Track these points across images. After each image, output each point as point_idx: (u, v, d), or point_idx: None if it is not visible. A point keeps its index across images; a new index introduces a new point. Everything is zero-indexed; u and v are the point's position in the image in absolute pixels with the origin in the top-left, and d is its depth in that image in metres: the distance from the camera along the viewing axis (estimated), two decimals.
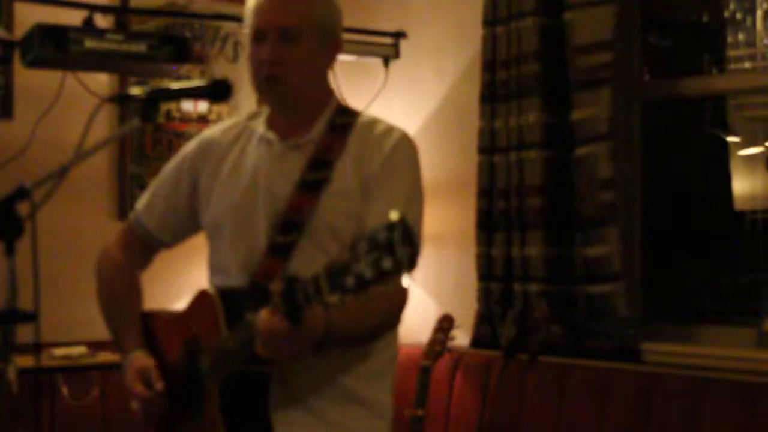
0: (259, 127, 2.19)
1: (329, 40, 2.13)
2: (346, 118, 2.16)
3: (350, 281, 1.55)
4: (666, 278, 3.78)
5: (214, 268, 2.21)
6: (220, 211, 2.18)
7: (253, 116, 2.25)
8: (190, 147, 2.29)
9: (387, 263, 1.50)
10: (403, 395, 3.43)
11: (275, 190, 2.10)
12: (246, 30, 2.14)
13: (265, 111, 2.21)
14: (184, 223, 2.28)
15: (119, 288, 2.28)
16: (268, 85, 2.09)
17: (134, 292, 2.30)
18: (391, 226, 1.51)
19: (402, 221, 1.51)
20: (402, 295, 2.07)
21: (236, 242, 2.13)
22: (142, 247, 2.33)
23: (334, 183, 2.07)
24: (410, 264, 1.50)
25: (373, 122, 2.17)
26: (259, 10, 2.09)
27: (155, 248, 2.35)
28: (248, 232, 2.11)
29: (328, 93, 2.20)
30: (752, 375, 3.01)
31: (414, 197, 2.12)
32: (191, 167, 2.25)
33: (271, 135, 2.16)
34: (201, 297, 2.08)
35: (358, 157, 2.09)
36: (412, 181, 2.12)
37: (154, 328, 2.25)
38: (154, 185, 2.33)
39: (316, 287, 1.63)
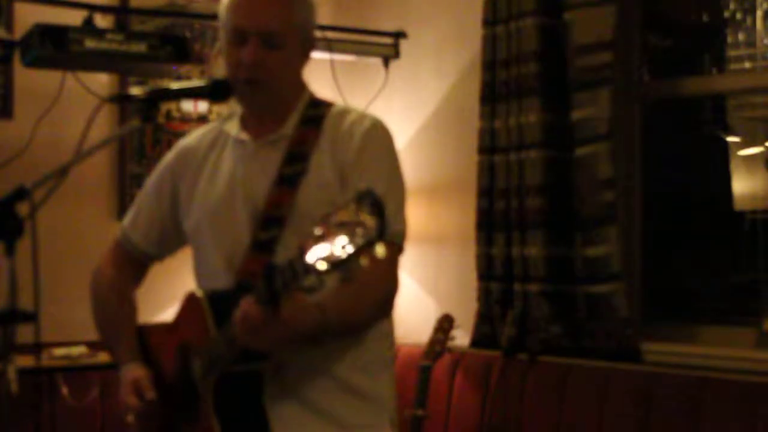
0: (233, 128, 2.17)
1: (307, 41, 2.13)
2: (318, 110, 2.14)
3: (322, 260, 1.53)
4: (666, 278, 3.77)
5: (201, 274, 2.20)
6: (199, 216, 2.17)
7: (228, 118, 2.23)
8: (168, 158, 2.29)
9: (359, 237, 1.48)
10: (403, 395, 3.43)
11: (253, 188, 2.09)
12: (221, 28, 2.10)
13: (239, 111, 2.20)
14: (170, 234, 2.27)
15: (112, 304, 2.28)
16: (247, 89, 2.07)
17: (127, 306, 2.30)
18: (359, 199, 1.49)
19: (369, 192, 1.48)
20: (391, 280, 2.05)
21: (220, 243, 2.12)
22: (133, 263, 2.32)
23: (311, 174, 2.06)
24: (379, 234, 1.47)
25: (345, 112, 2.15)
26: (240, 10, 2.05)
27: (146, 263, 2.34)
28: (231, 233, 2.10)
29: (301, 88, 2.18)
30: (752, 375, 3.01)
31: (393, 184, 2.09)
32: (171, 178, 2.25)
33: (244, 135, 2.14)
34: (189, 301, 2.08)
35: (333, 146, 2.08)
36: (389, 167, 2.11)
37: (149, 341, 2.25)
38: (138, 200, 2.32)
39: (291, 272, 1.62)
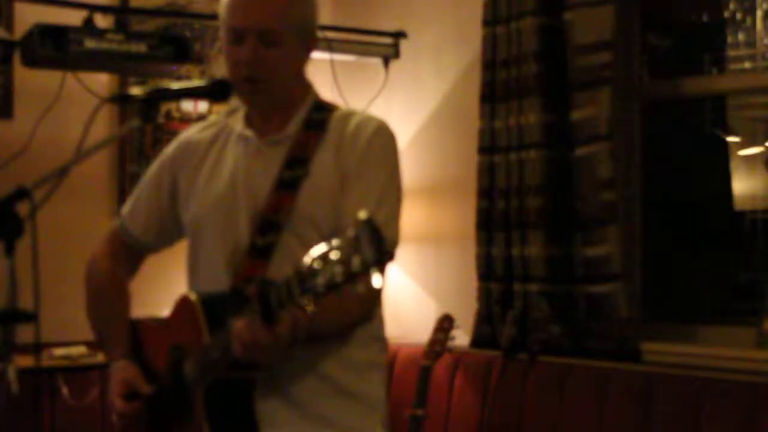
0: (237, 124, 2.17)
1: (307, 38, 2.12)
2: (322, 113, 2.14)
3: (321, 282, 1.53)
4: (666, 278, 3.77)
5: (198, 269, 2.19)
6: (200, 210, 2.16)
7: (231, 113, 2.22)
8: (169, 149, 2.28)
9: (356, 263, 1.49)
10: (403, 395, 3.43)
11: (254, 188, 2.09)
12: (221, 27, 2.11)
13: (243, 107, 2.19)
14: (169, 226, 2.26)
15: (107, 296, 2.27)
16: (248, 87, 2.07)
17: (122, 300, 2.29)
18: (358, 226, 1.49)
19: (369, 221, 1.49)
20: (374, 293, 2.03)
21: (220, 241, 2.11)
22: (130, 253, 2.32)
23: (312, 178, 2.06)
24: (378, 263, 1.48)
25: (350, 115, 2.15)
26: (236, 9, 2.05)
27: (142, 253, 2.33)
28: (231, 231, 2.10)
29: (305, 87, 2.18)
30: (752, 375, 3.01)
31: (389, 190, 2.10)
32: (171, 169, 2.24)
33: (248, 132, 2.14)
34: (183, 303, 2.07)
35: (336, 150, 2.08)
36: (388, 173, 2.11)
37: (141, 337, 2.24)
38: (137, 190, 2.31)
39: (287, 291, 1.62)
